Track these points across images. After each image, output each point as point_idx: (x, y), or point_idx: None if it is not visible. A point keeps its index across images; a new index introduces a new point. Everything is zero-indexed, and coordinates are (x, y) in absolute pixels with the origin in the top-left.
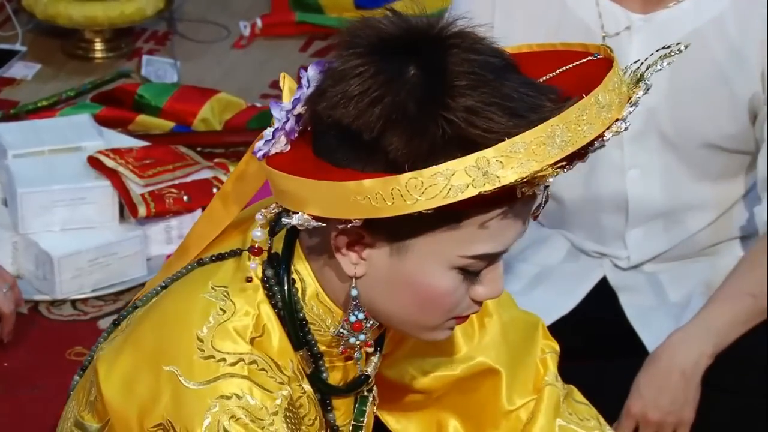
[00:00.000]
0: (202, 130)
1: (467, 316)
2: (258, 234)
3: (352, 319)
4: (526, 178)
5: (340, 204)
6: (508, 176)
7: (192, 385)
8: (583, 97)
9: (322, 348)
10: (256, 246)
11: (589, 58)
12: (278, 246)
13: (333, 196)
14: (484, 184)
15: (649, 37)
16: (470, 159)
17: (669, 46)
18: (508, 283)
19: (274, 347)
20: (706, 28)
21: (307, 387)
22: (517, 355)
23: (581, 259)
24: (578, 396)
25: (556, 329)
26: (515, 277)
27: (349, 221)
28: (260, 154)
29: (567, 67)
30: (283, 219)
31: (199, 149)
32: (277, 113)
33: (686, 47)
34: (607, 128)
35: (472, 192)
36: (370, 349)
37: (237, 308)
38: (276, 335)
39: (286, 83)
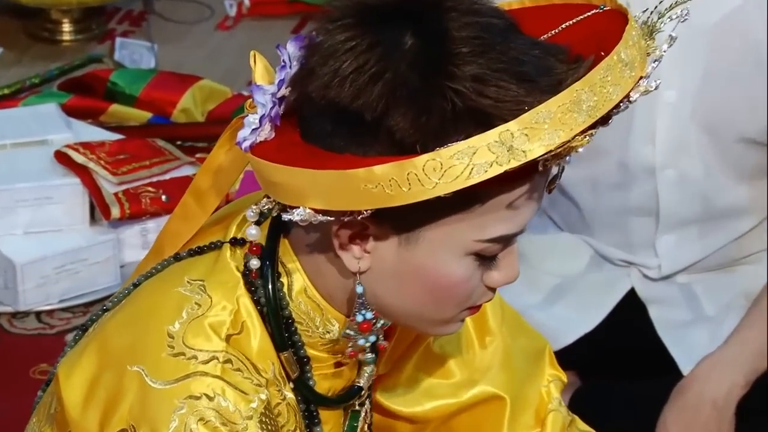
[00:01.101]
0: (182, 121)
1: (480, 306)
2: (253, 232)
3: (359, 318)
4: (554, 150)
5: (347, 194)
6: (535, 150)
7: (158, 385)
8: (602, 56)
9: (309, 351)
10: (254, 244)
11: (595, 11)
12: (262, 236)
13: (339, 187)
14: (510, 161)
15: None
16: (493, 134)
17: None
18: (524, 296)
19: (254, 347)
20: (751, 3)
21: (289, 394)
22: (521, 384)
23: (606, 268)
24: (582, 425)
25: (579, 347)
26: (533, 289)
27: (357, 213)
28: (246, 144)
29: (571, 22)
30: (282, 216)
31: (179, 143)
32: (261, 97)
33: None
34: (632, 88)
35: (497, 170)
36: (370, 355)
37: (213, 302)
38: (256, 334)
39: (258, 62)
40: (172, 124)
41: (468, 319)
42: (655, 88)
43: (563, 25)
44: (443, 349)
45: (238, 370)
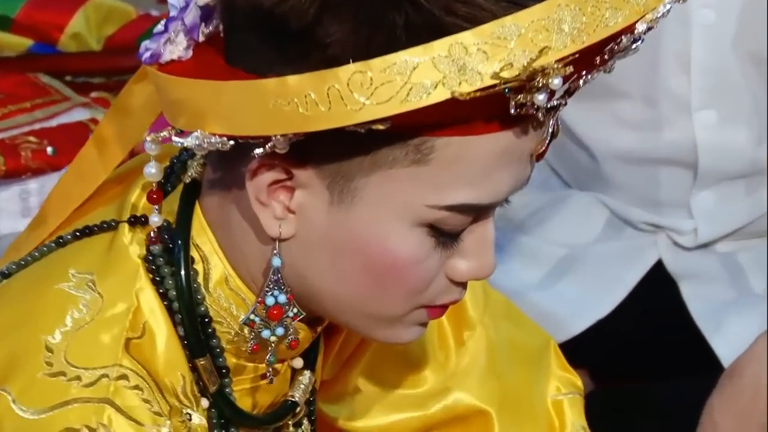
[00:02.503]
0: (72, 50)
1: (443, 307)
2: (152, 171)
3: (270, 301)
4: (519, 76)
5: (254, 114)
6: (495, 71)
7: (28, 415)
8: None
9: (230, 360)
10: (153, 189)
11: None
12: (170, 211)
13: (245, 103)
14: (460, 83)
15: None
16: (440, 46)
17: None
18: (521, 273)
19: (159, 356)
20: None
21: (200, 420)
22: (514, 394)
23: (626, 234)
24: None
25: (591, 338)
26: (532, 263)
27: (267, 140)
28: (147, 55)
29: None
30: (174, 139)
31: (69, 78)
32: None
33: None
34: (641, 18)
35: (442, 94)
36: (297, 363)
37: (106, 302)
38: (162, 338)
39: None
40: (60, 54)
41: None
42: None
43: None
44: (407, 347)
45: (137, 388)
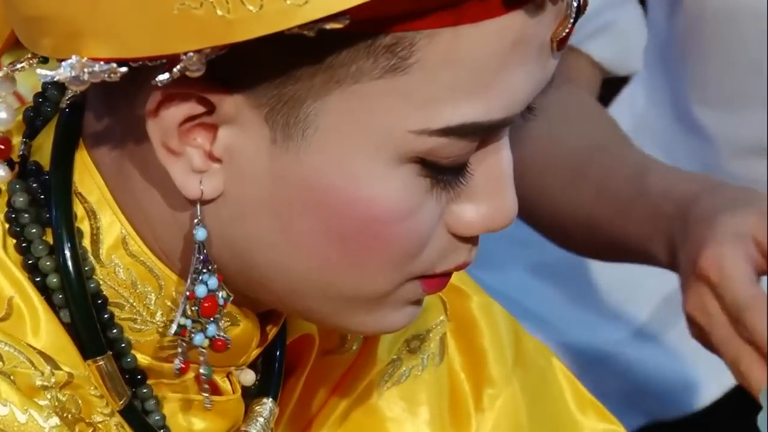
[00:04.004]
0: None
1: (445, 276)
2: (2, 116)
3: (201, 292)
4: None
5: (151, 24)
6: None
7: None
8: None
9: (143, 359)
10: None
11: None
12: (42, 150)
13: (137, 9)
14: None
15: None
16: None
17: None
18: (600, 326)
19: (35, 347)
20: None
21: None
22: None
23: None
24: None
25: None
26: (618, 311)
27: (174, 62)
28: None
29: None
30: (38, 72)
31: None
32: None
33: None
34: None
35: None
36: (246, 378)
37: None
38: (39, 323)
39: None
40: None
41: (454, 357)
42: None
43: None
44: (405, 401)
45: (14, 365)
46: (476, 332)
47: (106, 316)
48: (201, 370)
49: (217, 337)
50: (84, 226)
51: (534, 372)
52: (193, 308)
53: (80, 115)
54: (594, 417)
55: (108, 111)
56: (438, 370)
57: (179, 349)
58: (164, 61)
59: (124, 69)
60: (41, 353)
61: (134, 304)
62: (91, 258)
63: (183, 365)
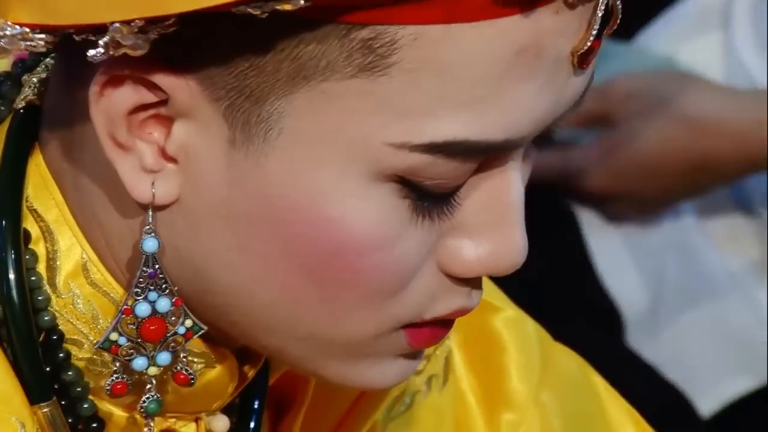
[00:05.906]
0: None
1: (435, 327)
2: None
3: (141, 311)
4: None
5: None
6: None
7: None
8: None
9: (103, 406)
10: None
11: None
12: None
13: None
14: None
15: None
16: None
17: None
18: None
19: None
20: None
21: None
22: None
23: None
24: None
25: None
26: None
27: (103, 31)
28: None
29: None
30: None
31: None
32: None
33: None
34: None
35: None
36: (218, 425)
37: None
38: None
39: None
40: None
41: (462, 377)
42: None
43: None
44: None
45: None
46: (496, 348)
47: (61, 355)
48: (144, 404)
49: (177, 370)
50: (39, 248)
51: (570, 390)
52: (129, 325)
53: (37, 116)
54: None
55: (66, 110)
56: (441, 395)
57: (113, 367)
58: (93, 31)
59: (42, 36)
60: None
61: (94, 341)
62: (47, 287)
63: (115, 387)
